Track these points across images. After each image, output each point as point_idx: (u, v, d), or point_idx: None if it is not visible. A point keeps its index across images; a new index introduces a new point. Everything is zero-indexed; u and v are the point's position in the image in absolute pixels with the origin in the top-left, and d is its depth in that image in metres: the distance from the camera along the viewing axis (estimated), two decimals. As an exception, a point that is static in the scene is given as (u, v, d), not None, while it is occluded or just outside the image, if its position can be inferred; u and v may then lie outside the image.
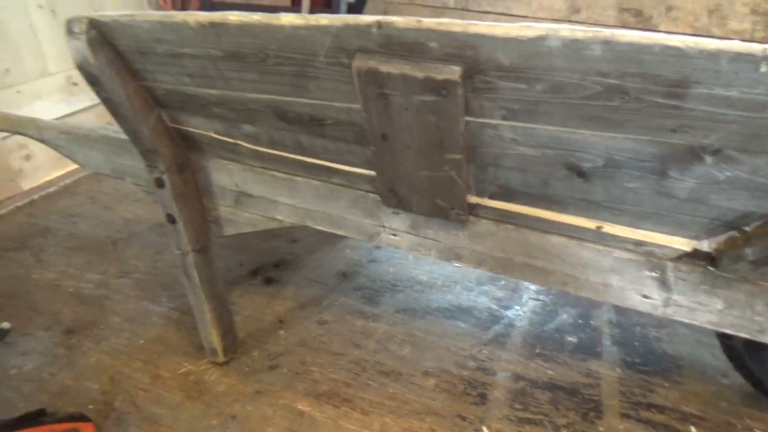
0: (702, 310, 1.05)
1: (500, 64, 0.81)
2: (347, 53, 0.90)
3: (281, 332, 1.73)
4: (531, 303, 1.83)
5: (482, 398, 1.48)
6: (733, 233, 0.97)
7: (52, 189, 2.73)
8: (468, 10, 2.04)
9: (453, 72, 0.84)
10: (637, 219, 1.01)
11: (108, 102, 1.17)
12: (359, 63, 0.89)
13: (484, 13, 2.00)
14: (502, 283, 1.92)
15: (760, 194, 0.86)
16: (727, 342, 1.33)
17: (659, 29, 1.70)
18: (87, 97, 2.91)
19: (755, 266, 0.97)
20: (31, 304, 1.89)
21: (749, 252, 0.95)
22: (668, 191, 0.92)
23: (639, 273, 1.07)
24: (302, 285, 1.95)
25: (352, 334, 1.72)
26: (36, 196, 2.65)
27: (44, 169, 2.79)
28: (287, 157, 1.24)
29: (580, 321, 1.74)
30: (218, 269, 1.53)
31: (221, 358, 1.59)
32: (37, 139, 1.63)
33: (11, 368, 1.62)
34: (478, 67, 0.83)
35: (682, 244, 1.03)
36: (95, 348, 1.69)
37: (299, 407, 1.46)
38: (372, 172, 1.15)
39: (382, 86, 0.91)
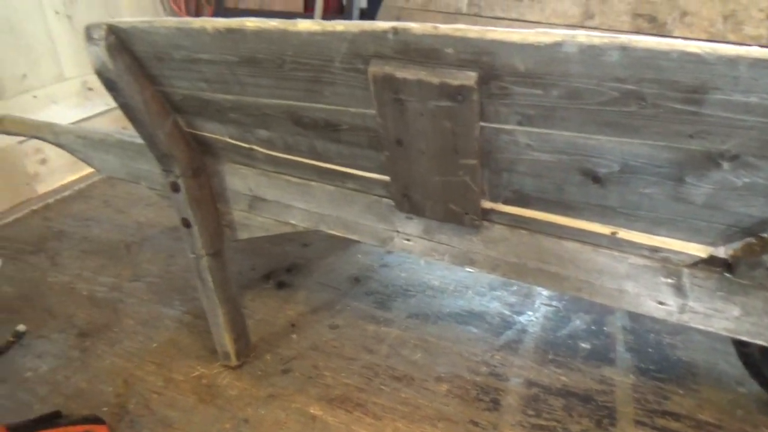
0: (718, 317, 1.05)
1: (516, 70, 0.81)
2: (363, 59, 0.91)
3: (293, 336, 1.73)
4: (543, 309, 1.82)
5: (495, 404, 1.47)
6: (751, 240, 0.96)
7: (66, 193, 2.76)
8: (481, 16, 2.05)
9: (469, 78, 0.84)
10: (653, 225, 1.01)
11: (125, 107, 1.19)
12: (375, 69, 0.90)
13: (497, 19, 2.00)
14: (515, 288, 1.92)
15: (778, 201, 0.85)
16: (743, 349, 1.31)
17: (674, 35, 1.69)
18: (102, 102, 2.94)
19: (773, 273, 0.96)
20: (46, 306, 1.91)
21: (767, 259, 0.94)
22: (685, 197, 0.91)
23: (654, 279, 1.07)
24: (314, 289, 1.95)
25: (365, 338, 1.72)
26: (51, 200, 2.68)
27: (59, 173, 2.82)
28: (301, 162, 1.24)
29: (593, 327, 1.73)
30: (231, 273, 1.54)
31: (234, 361, 1.60)
32: (53, 144, 1.65)
33: (27, 370, 1.64)
34: (494, 72, 0.83)
35: (698, 250, 1.02)
36: (109, 351, 1.70)
37: (312, 411, 1.47)
38: (386, 177, 1.16)
39: (397, 92, 0.91)
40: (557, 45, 0.76)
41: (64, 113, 2.79)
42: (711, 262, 1.02)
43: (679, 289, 1.05)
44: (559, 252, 1.12)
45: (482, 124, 0.92)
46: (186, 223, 1.40)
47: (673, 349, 1.63)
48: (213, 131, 1.28)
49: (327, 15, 3.16)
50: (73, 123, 2.78)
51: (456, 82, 0.85)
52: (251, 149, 1.28)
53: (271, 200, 1.38)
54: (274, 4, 3.35)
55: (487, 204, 1.11)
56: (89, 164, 1.62)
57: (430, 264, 2.06)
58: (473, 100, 0.87)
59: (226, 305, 1.52)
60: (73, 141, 1.60)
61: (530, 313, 1.80)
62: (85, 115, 2.92)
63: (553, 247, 1.12)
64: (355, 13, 3.09)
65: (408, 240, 1.25)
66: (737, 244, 0.98)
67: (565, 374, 1.56)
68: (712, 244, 1.00)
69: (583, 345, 1.66)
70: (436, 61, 0.86)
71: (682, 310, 1.06)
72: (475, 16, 2.07)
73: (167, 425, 1.44)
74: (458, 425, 1.42)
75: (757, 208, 0.88)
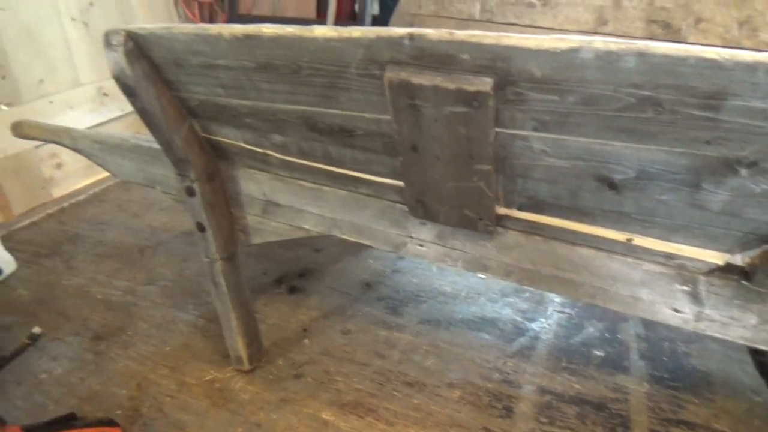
0: (735, 325, 1.04)
1: (532, 76, 0.81)
2: (379, 65, 0.91)
3: (305, 341, 1.74)
4: (556, 315, 1.81)
5: (508, 411, 1.47)
6: (768, 247, 0.95)
7: (81, 197, 2.79)
8: (493, 22, 2.05)
9: (485, 83, 0.85)
10: (669, 232, 1.00)
11: (143, 112, 1.20)
12: (391, 74, 0.90)
13: (509, 25, 2.00)
14: (527, 295, 1.91)
15: (796, 208, 0.84)
16: (759, 358, 1.30)
17: (688, 41, 1.68)
18: (116, 107, 2.98)
19: (791, 281, 0.96)
20: (61, 309, 1.93)
21: (785, 266, 0.93)
22: (701, 204, 0.91)
23: (670, 286, 1.06)
24: (326, 294, 1.96)
25: (376, 344, 1.72)
26: (66, 204, 2.71)
27: (74, 177, 2.86)
28: (316, 167, 1.25)
29: (606, 334, 1.72)
30: (244, 277, 1.55)
31: (246, 366, 1.60)
32: (71, 149, 1.67)
33: (42, 372, 1.65)
34: (510, 78, 0.83)
35: (715, 257, 1.01)
36: (123, 354, 1.71)
37: (324, 417, 1.47)
38: (400, 183, 1.16)
39: (413, 97, 0.92)
40: (574, 51, 0.76)
41: (79, 118, 2.83)
42: (728, 269, 1.01)
43: (695, 297, 1.05)
44: (573, 258, 1.12)
45: (497, 129, 0.93)
46: (200, 228, 1.41)
47: (688, 358, 1.62)
48: (228, 136, 1.29)
49: (339, 21, 3.18)
50: (88, 128, 2.82)
51: (472, 88, 0.86)
52: (266, 154, 1.29)
53: (285, 205, 1.38)
54: (287, 11, 3.38)
55: (501, 210, 1.11)
56: (106, 168, 1.64)
57: (441, 270, 2.06)
58: (489, 105, 0.87)
59: (239, 309, 1.53)
60: (91, 146, 1.62)
61: (543, 320, 1.80)
62: (100, 120, 2.96)
63: (568, 253, 1.12)
64: (367, 19, 3.11)
65: (421, 245, 1.26)
66: (755, 252, 0.97)
67: (578, 382, 1.55)
68: (729, 251, 0.99)
69: (597, 352, 1.65)
70: (452, 67, 0.86)
71: (698, 318, 1.05)
72: (487, 22, 2.07)
73: (180, 429, 1.45)
74: (471, 432, 1.41)
75: (776, 215, 0.87)
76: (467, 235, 1.19)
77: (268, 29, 0.95)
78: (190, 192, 1.36)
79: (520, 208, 1.10)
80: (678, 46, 0.71)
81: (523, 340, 1.71)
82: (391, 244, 1.29)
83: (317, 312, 1.87)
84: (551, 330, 1.75)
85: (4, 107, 2.50)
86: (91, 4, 2.89)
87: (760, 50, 0.69)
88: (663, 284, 1.06)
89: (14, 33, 2.51)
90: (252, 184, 1.40)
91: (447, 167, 1.02)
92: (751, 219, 0.90)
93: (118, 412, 1.50)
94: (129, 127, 3.03)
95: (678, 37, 1.72)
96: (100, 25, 2.91)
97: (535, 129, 0.91)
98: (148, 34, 1.07)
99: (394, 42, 0.86)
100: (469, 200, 1.08)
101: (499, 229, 1.16)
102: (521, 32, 0.80)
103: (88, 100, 2.92)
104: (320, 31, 0.91)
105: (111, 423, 1.41)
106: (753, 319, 1.02)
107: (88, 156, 1.64)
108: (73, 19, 2.81)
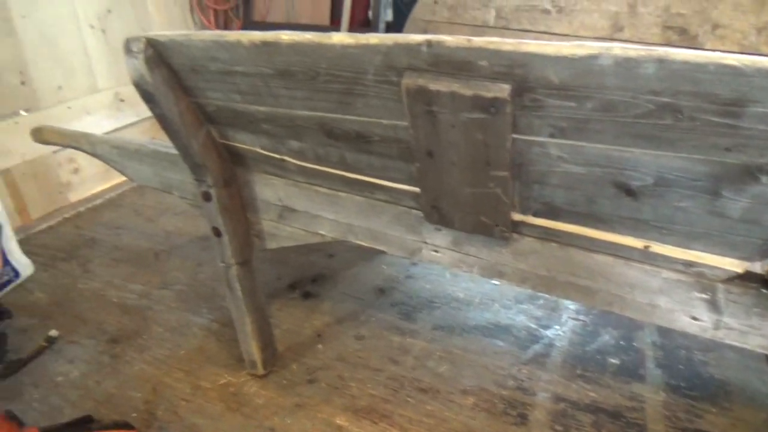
0: (754, 334, 1.02)
1: (550, 83, 0.82)
2: (396, 71, 0.92)
3: (319, 346, 1.74)
4: (571, 323, 1.80)
5: (522, 418, 1.46)
6: (789, 255, 0.94)
7: (98, 201, 2.82)
8: (508, 29, 2.05)
9: (502, 90, 0.85)
10: (687, 239, 0.99)
11: (161, 118, 1.21)
12: (408, 81, 0.91)
13: (524, 32, 2.00)
14: (541, 301, 1.90)
15: (818, 215, 0.83)
16: (778, 368, 1.29)
17: (705, 47, 1.67)
18: (133, 113, 3.01)
19: (812, 290, 0.94)
20: (78, 313, 1.95)
21: (806, 275, 0.92)
22: (721, 211, 0.90)
23: (688, 294, 1.05)
24: (339, 300, 1.96)
25: (390, 349, 1.71)
26: (83, 208, 2.75)
27: (91, 182, 2.89)
28: (332, 173, 1.26)
29: (622, 342, 1.70)
30: (259, 282, 1.56)
31: (261, 370, 1.61)
32: (90, 154, 1.69)
33: (58, 375, 1.67)
34: (528, 85, 0.83)
35: (734, 265, 1.00)
36: (138, 357, 1.73)
37: (337, 422, 1.47)
38: (416, 189, 1.16)
39: (430, 104, 0.92)
40: (592, 57, 0.76)
41: (96, 123, 2.86)
42: (747, 277, 1.00)
43: (713, 305, 1.04)
44: (589, 265, 1.11)
45: (514, 136, 0.93)
46: (216, 232, 1.42)
47: (705, 366, 1.60)
48: (245, 142, 1.30)
49: (353, 28, 3.19)
50: (105, 133, 2.85)
51: (489, 95, 0.86)
52: (282, 160, 1.30)
53: (301, 210, 1.39)
54: (301, 18, 3.40)
55: (517, 216, 1.11)
56: (123, 173, 1.66)
57: (455, 276, 2.05)
58: (506, 112, 0.87)
59: (253, 314, 1.53)
60: (109, 151, 1.63)
61: (557, 327, 1.79)
62: (116, 126, 2.99)
63: (584, 260, 1.11)
64: (381, 26, 3.12)
65: (436, 251, 1.26)
66: (775, 260, 0.96)
67: (593, 390, 1.53)
68: (749, 259, 0.98)
69: (612, 360, 1.63)
70: (470, 74, 0.86)
71: (717, 326, 1.04)
72: (502, 29, 2.07)
73: (195, 432, 1.46)
74: (485, 439, 1.41)
75: (796, 223, 0.86)
76: (483, 241, 1.19)
77: (286, 36, 0.96)
78: (207, 197, 1.37)
79: (536, 215, 1.10)
80: (698, 52, 0.71)
81: (537, 347, 1.70)
82: (406, 250, 1.29)
83: (331, 317, 1.87)
84: (566, 337, 1.74)
85: (23, 113, 2.54)
86: (109, 11, 2.93)
87: (778, 57, 0.68)
88: (681, 292, 1.06)
89: (34, 40, 2.55)
90: (268, 190, 1.41)
91: (463, 173, 1.02)
92: (771, 226, 0.89)
93: (134, 415, 1.51)
94: (145, 133, 3.06)
95: (695, 43, 1.71)
96: (118, 32, 2.95)
97: (552, 135, 0.90)
98: (168, 41, 1.08)
99: (412, 49, 0.87)
100: (485, 206, 1.08)
101: (515, 236, 1.16)
102: (536, 39, 0.80)
103: (105, 105, 2.96)
104: (338, 37, 0.92)
105: (126, 426, 1.42)
106: (773, 328, 1.01)
107: (106, 161, 1.66)
108: (92, 27, 2.84)
